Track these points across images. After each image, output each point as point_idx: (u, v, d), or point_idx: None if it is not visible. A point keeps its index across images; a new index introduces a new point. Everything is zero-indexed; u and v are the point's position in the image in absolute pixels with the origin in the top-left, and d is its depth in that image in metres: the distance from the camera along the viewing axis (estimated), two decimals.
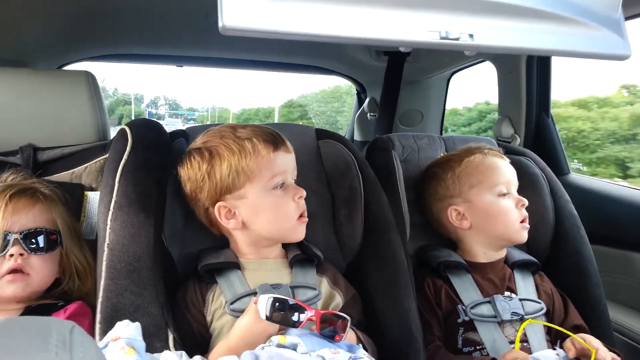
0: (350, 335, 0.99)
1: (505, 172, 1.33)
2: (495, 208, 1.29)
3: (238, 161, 1.05)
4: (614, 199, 1.66)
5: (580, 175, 1.88)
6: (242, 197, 1.07)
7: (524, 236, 1.29)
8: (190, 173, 1.09)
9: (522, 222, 1.29)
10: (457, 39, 0.61)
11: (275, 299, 0.92)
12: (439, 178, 1.37)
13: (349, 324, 0.95)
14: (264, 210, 1.07)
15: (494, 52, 0.60)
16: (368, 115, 2.84)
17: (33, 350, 0.30)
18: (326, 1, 0.56)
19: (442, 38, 0.61)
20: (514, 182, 1.34)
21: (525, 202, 1.30)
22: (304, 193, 1.11)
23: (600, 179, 1.81)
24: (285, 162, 1.11)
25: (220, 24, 0.52)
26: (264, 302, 0.91)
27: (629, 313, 1.53)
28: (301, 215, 1.11)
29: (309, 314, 0.92)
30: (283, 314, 0.91)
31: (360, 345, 0.97)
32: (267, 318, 0.91)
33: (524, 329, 1.18)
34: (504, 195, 1.30)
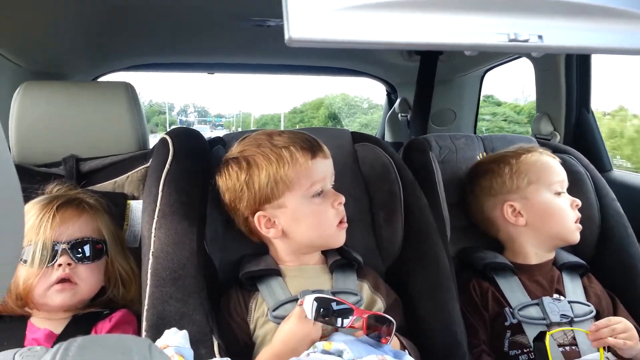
0: (394, 342, 0.98)
1: (560, 171, 1.32)
2: (553, 206, 1.27)
3: (276, 170, 1.04)
4: None
5: (623, 172, 1.82)
6: (282, 206, 1.06)
7: (577, 236, 1.27)
8: (229, 183, 1.09)
9: (575, 222, 1.27)
10: (526, 41, 0.59)
11: (321, 299, 0.92)
12: (495, 173, 1.33)
13: (394, 327, 0.94)
14: (304, 219, 1.07)
15: (564, 52, 0.58)
16: (399, 116, 2.82)
17: None
18: (393, 8, 0.55)
19: (510, 40, 0.60)
20: (566, 183, 1.32)
21: (579, 203, 1.28)
22: (343, 199, 1.10)
23: None
24: (324, 168, 1.09)
25: (286, 36, 0.52)
26: (309, 302, 0.91)
27: None
28: (341, 222, 1.10)
29: (354, 315, 0.91)
30: (329, 315, 0.91)
31: (406, 351, 0.95)
32: (314, 319, 0.90)
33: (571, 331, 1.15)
34: (559, 194, 1.28)
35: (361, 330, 0.94)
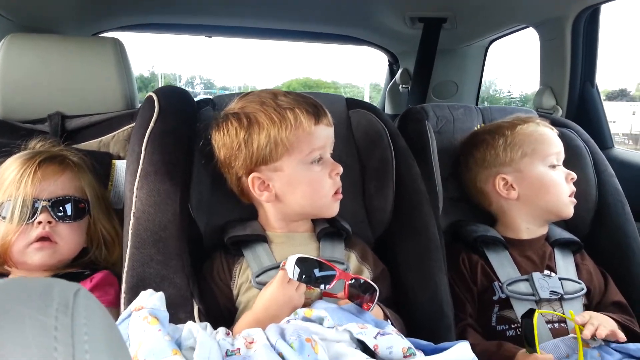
0: (376, 311, 0.96)
1: (557, 143, 1.28)
2: (547, 179, 1.24)
3: (278, 132, 0.99)
4: None
5: (625, 149, 1.78)
6: (278, 169, 1.02)
7: (570, 210, 1.25)
8: (226, 139, 1.04)
9: (570, 196, 1.24)
10: None
11: (303, 258, 0.90)
12: (489, 144, 1.30)
13: (377, 295, 0.92)
14: (300, 185, 1.03)
15: None
16: (400, 87, 2.76)
17: (30, 313, 0.27)
18: None
19: None
20: (563, 155, 1.29)
21: (574, 176, 1.26)
22: (340, 169, 1.06)
23: None
24: (325, 135, 1.05)
25: None
26: (292, 262, 0.89)
27: None
28: (336, 192, 1.07)
29: (337, 278, 0.89)
30: (310, 277, 0.89)
31: (388, 321, 0.94)
32: (296, 279, 0.88)
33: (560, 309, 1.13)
34: (554, 167, 1.25)
35: (344, 299, 0.92)
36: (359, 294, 0.92)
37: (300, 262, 0.90)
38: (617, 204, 1.36)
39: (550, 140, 1.27)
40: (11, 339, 0.26)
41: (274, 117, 1.00)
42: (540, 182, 1.24)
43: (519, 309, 1.13)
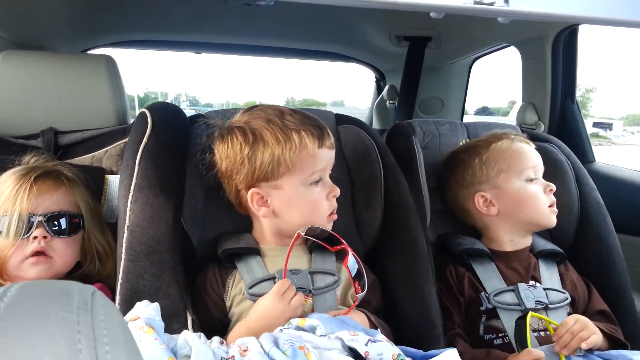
0: (362, 319, 0.99)
1: (533, 157, 1.32)
2: (524, 193, 1.27)
3: (282, 152, 1.01)
4: None
5: (606, 164, 1.83)
6: (278, 187, 1.04)
7: (553, 220, 1.28)
8: (230, 152, 1.05)
9: (550, 206, 1.27)
10: (491, 4, 0.58)
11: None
12: (465, 164, 1.34)
13: (366, 284, 0.99)
14: (297, 205, 1.05)
15: (529, 18, 0.57)
16: (387, 103, 2.81)
17: (54, 311, 0.30)
18: None
19: (475, 3, 0.59)
20: (541, 168, 1.32)
21: (553, 187, 1.29)
22: (338, 192, 1.09)
23: (627, 168, 1.76)
24: (327, 158, 1.08)
25: None
26: None
27: None
28: (331, 213, 1.09)
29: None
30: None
31: (378, 329, 0.96)
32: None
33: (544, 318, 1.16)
34: (532, 180, 1.28)
35: (335, 310, 0.95)
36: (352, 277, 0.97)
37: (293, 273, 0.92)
38: (599, 216, 1.40)
39: (525, 154, 1.31)
40: (39, 331, 0.28)
41: (279, 137, 1.01)
42: (518, 197, 1.27)
43: (506, 319, 1.16)
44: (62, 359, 0.27)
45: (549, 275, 1.25)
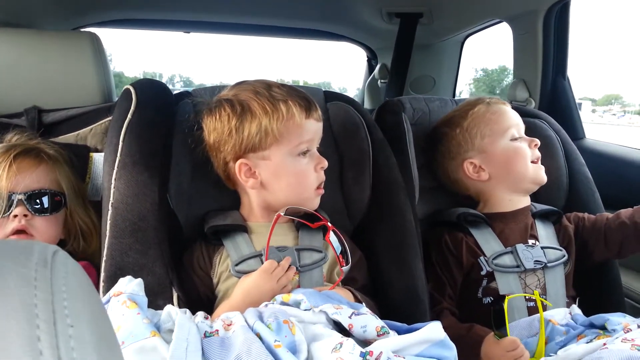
0: (346, 294, 0.99)
1: (512, 116, 1.33)
2: (511, 152, 1.28)
3: (269, 122, 1.01)
4: (631, 163, 1.62)
5: (596, 140, 1.83)
6: (266, 158, 1.04)
7: (542, 174, 1.29)
8: (217, 124, 1.05)
9: (534, 162, 1.29)
10: None
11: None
12: (448, 136, 1.35)
13: (349, 257, 1.00)
14: (286, 175, 1.05)
15: None
16: (379, 82, 2.79)
17: (12, 267, 0.29)
18: None
19: None
20: (522, 126, 1.33)
21: (537, 142, 1.30)
22: (326, 164, 1.09)
23: (617, 144, 1.76)
24: (314, 130, 1.08)
25: None
26: None
27: None
28: (319, 187, 1.09)
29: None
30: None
31: (363, 304, 0.96)
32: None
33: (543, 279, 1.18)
34: (516, 139, 1.29)
35: (322, 285, 0.95)
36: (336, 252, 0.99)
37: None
38: (588, 191, 1.40)
39: (504, 114, 1.32)
40: None
41: (266, 107, 1.02)
42: (506, 156, 1.28)
43: (501, 281, 1.17)
44: (16, 312, 0.27)
45: (546, 233, 1.26)
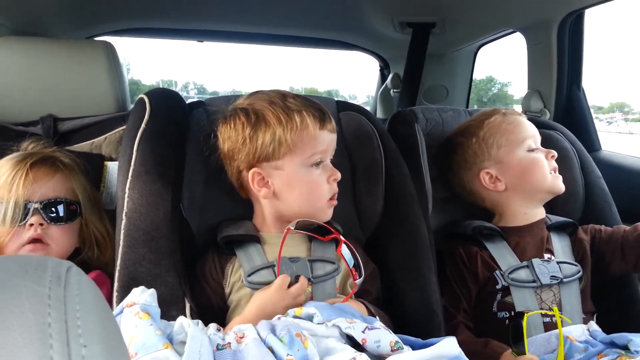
0: (360, 307, 0.98)
1: (529, 127, 1.32)
2: (527, 162, 1.27)
3: (283, 132, 1.01)
4: None
5: (612, 152, 1.80)
6: (279, 167, 1.04)
7: (560, 184, 1.28)
8: (232, 133, 1.05)
9: (551, 172, 1.28)
10: None
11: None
12: (464, 146, 1.34)
13: (362, 271, 1.00)
14: (298, 186, 1.05)
15: None
16: (391, 92, 2.78)
17: (26, 284, 0.29)
18: None
19: None
20: (539, 137, 1.32)
21: (554, 153, 1.29)
22: (339, 176, 1.08)
23: (633, 156, 1.73)
24: (328, 141, 1.07)
25: None
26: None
27: None
28: (331, 198, 1.09)
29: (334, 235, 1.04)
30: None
31: (376, 317, 0.95)
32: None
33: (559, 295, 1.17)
34: (533, 150, 1.28)
35: (335, 297, 0.94)
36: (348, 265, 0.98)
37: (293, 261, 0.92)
38: (604, 204, 1.38)
39: (521, 125, 1.31)
40: (8, 306, 0.27)
41: (281, 117, 1.02)
42: (523, 167, 1.27)
43: (517, 296, 1.16)
44: (30, 331, 0.26)
45: (562, 247, 1.25)
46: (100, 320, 0.31)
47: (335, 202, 1.09)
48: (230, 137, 1.06)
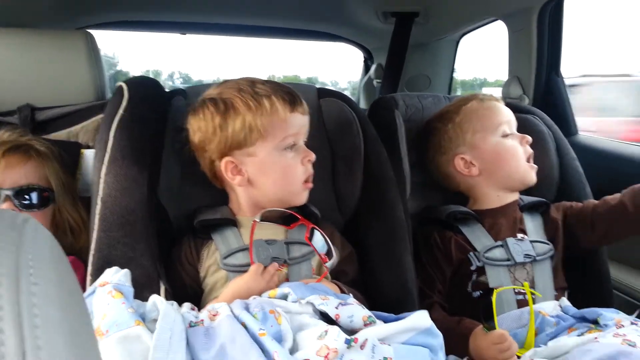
0: (333, 287, 0.99)
1: (505, 112, 1.33)
2: (502, 148, 1.29)
3: (253, 118, 1.01)
4: (624, 158, 1.61)
5: (588, 136, 1.83)
6: (252, 154, 1.04)
7: (532, 176, 1.29)
8: (202, 123, 1.05)
9: (527, 160, 1.29)
10: None
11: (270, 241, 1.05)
12: (440, 131, 1.35)
13: (334, 254, 1.01)
14: (272, 171, 1.05)
15: None
16: (375, 82, 2.79)
17: None
18: None
19: None
20: (514, 122, 1.33)
21: (529, 138, 1.30)
22: (313, 156, 1.08)
23: (609, 139, 1.76)
24: (300, 123, 1.07)
25: None
26: None
27: (631, 272, 1.49)
28: (307, 180, 1.09)
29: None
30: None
31: (350, 295, 0.96)
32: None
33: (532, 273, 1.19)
34: (507, 136, 1.30)
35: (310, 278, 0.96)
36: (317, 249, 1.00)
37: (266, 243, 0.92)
38: (579, 184, 1.40)
39: (497, 111, 1.32)
40: None
41: (250, 104, 1.02)
42: (497, 153, 1.28)
43: (492, 275, 1.18)
44: None
45: (534, 227, 1.26)
46: (55, 264, 0.31)
47: (310, 185, 1.09)
48: (200, 128, 1.06)
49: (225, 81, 1.10)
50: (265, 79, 1.10)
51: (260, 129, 1.01)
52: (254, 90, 1.04)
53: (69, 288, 0.32)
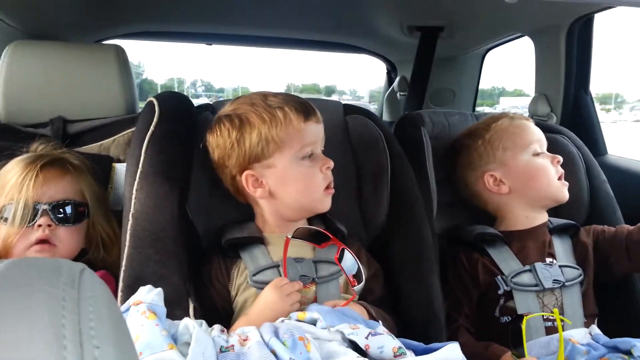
0: (361, 310, 0.99)
1: (535, 131, 1.32)
2: (532, 167, 1.27)
3: (268, 130, 1.02)
4: None
5: (618, 157, 1.80)
6: (271, 166, 1.05)
7: (564, 193, 1.27)
8: (219, 140, 1.07)
9: (559, 179, 1.27)
10: None
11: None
12: (470, 148, 1.34)
13: (363, 277, 1.01)
14: (292, 180, 1.06)
15: None
16: (398, 95, 2.78)
17: (40, 286, 0.30)
18: None
19: None
20: (545, 142, 1.32)
21: (560, 158, 1.28)
22: (331, 164, 1.09)
23: None
24: (315, 132, 1.08)
25: None
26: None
27: None
28: (328, 187, 1.09)
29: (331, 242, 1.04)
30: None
31: (380, 322, 0.95)
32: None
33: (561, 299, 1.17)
34: (538, 154, 1.28)
35: (337, 300, 0.95)
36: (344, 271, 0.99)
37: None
38: (609, 208, 1.38)
39: (527, 129, 1.31)
40: (23, 308, 0.28)
41: (264, 116, 1.03)
42: (527, 171, 1.27)
43: (520, 300, 1.16)
44: (44, 332, 0.27)
45: (564, 250, 1.24)
46: (113, 322, 0.32)
47: (332, 191, 1.10)
48: (218, 145, 1.08)
49: (237, 98, 1.13)
50: (279, 91, 1.12)
51: (277, 140, 1.03)
52: (267, 103, 1.06)
53: (125, 348, 0.32)
